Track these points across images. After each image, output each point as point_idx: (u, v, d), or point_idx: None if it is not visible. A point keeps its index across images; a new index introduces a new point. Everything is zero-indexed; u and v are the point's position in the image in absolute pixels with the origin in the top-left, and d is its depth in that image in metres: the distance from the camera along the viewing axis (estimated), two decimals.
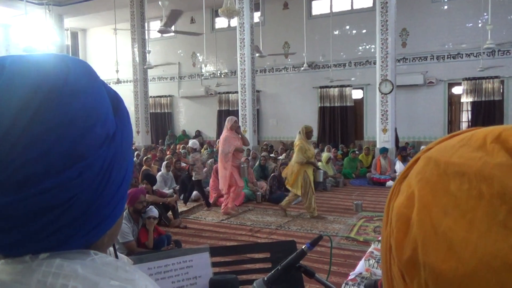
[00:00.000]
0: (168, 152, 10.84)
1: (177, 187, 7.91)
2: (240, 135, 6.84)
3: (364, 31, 13.40)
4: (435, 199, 0.33)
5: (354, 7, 13.69)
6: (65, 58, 0.46)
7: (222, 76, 15.66)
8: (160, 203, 6.05)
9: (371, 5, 13.04)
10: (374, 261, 2.39)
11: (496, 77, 11.85)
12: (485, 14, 10.51)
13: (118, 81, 13.99)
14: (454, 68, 12.35)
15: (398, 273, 0.35)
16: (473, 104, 12.33)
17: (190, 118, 16.78)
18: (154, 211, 4.69)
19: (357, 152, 11.38)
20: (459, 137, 0.36)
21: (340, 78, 13.33)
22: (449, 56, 12.49)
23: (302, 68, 12.51)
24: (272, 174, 8.21)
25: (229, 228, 5.96)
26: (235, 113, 13.99)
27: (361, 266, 2.41)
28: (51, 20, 13.07)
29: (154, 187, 6.41)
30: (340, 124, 14.02)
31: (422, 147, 1.25)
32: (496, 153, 0.31)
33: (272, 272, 1.27)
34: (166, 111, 17.19)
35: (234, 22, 12.01)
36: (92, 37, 18.70)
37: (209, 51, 13.81)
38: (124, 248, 4.27)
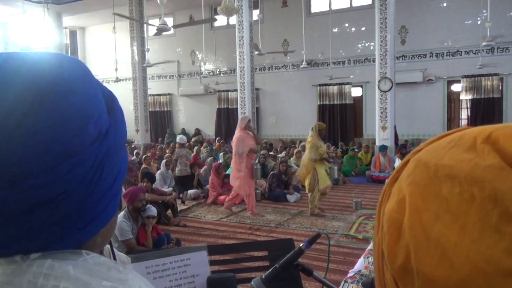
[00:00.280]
0: (167, 151, 10.83)
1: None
2: (252, 134, 6.50)
3: (363, 28, 13.39)
4: (426, 204, 0.32)
5: (353, 5, 13.68)
6: (59, 56, 0.46)
7: (221, 74, 15.64)
8: (160, 201, 6.07)
9: (370, 2, 13.02)
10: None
11: (495, 74, 11.86)
12: (484, 11, 10.52)
13: (117, 80, 13.99)
14: (453, 65, 12.34)
15: (392, 280, 0.35)
16: (472, 101, 12.34)
17: (189, 116, 16.76)
18: (152, 210, 4.69)
19: (356, 149, 11.38)
20: (449, 137, 0.35)
21: (339, 76, 13.31)
22: (448, 54, 12.48)
23: (301, 66, 12.49)
24: (272, 172, 8.20)
25: (229, 226, 5.96)
26: (235, 111, 14.02)
27: (360, 264, 2.41)
28: (50, 18, 13.00)
29: (154, 185, 6.41)
30: (340, 121, 14.03)
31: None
32: (487, 154, 0.30)
33: (270, 270, 1.27)
34: (165, 109, 17.17)
35: (233, 20, 11.99)
36: (91, 36, 18.64)
37: (208, 49, 13.80)
38: (123, 246, 4.28)
